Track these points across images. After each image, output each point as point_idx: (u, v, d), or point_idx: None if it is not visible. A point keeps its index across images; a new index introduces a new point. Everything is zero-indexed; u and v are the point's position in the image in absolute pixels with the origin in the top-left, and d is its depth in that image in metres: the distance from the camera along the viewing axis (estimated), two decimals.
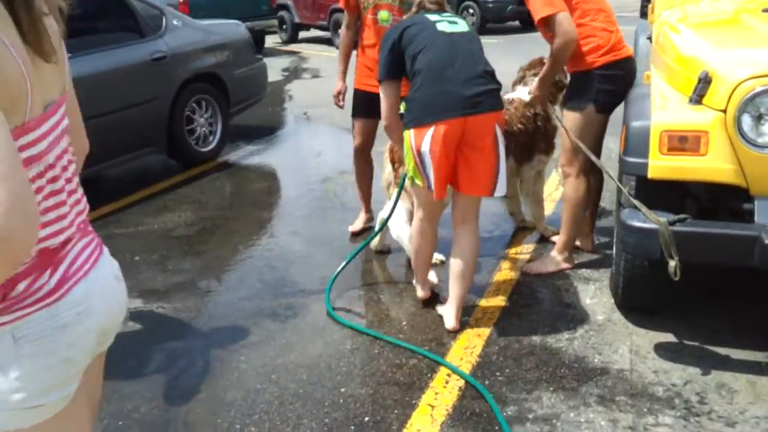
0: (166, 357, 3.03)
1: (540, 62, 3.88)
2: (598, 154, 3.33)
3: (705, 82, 2.61)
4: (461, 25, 3.00)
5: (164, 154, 5.68)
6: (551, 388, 2.65)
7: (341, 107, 4.16)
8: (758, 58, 2.60)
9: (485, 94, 2.84)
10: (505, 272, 3.66)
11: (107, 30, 5.34)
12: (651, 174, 2.60)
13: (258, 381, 2.81)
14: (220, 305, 3.49)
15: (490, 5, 13.87)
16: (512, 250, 3.94)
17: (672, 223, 2.52)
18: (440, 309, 3.20)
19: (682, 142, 2.56)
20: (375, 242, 3.87)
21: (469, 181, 2.96)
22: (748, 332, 2.94)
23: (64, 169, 1.21)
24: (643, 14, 4.14)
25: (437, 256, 3.64)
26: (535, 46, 11.45)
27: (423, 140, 2.82)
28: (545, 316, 3.19)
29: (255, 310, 3.40)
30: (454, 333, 3.07)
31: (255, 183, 5.53)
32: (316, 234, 4.32)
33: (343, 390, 2.72)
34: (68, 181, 1.23)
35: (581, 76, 3.30)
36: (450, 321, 3.10)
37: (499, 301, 3.35)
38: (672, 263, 2.49)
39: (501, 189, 3.00)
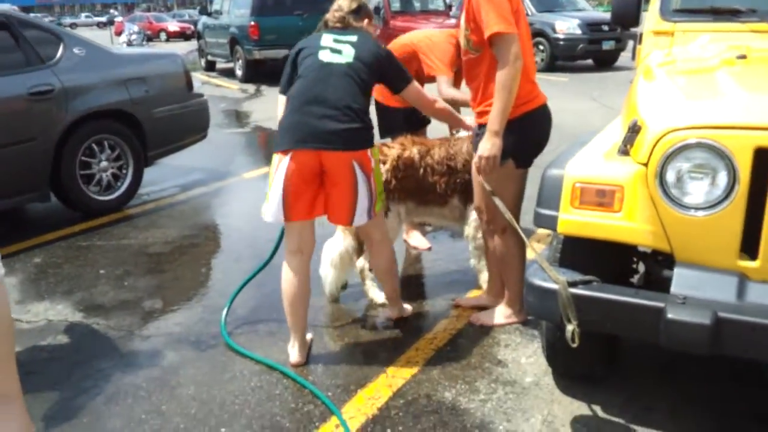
0: (71, 375, 2.98)
1: None
2: (519, 211, 3.11)
3: (633, 131, 2.35)
4: (345, 56, 2.87)
5: (47, 202, 4.98)
6: None
7: None
8: (694, 108, 2.30)
9: (343, 131, 2.75)
10: (451, 320, 3.42)
11: None
12: (560, 229, 2.35)
13: (146, 411, 2.71)
14: (152, 328, 3.42)
15: (561, 43, 13.51)
16: (474, 295, 3.69)
17: (573, 284, 2.26)
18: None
19: (599, 197, 2.30)
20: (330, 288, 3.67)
21: (330, 212, 2.93)
22: (686, 415, 2.59)
23: None
24: (635, 56, 3.84)
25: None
26: (606, 85, 11.22)
27: (281, 164, 2.81)
28: (469, 372, 2.93)
29: (182, 336, 3.32)
30: (364, 381, 2.86)
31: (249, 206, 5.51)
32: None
33: (222, 430, 2.58)
34: None
35: None
36: (393, 312, 3.38)
37: (429, 350, 3.11)
38: (569, 327, 2.23)
39: (360, 219, 2.93)
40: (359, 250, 3.49)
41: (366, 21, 3.06)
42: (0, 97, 4.51)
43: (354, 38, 2.93)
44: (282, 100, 2.98)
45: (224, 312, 3.43)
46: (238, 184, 6.15)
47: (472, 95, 3.06)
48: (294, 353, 3.03)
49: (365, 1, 3.13)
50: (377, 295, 3.56)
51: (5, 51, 4.71)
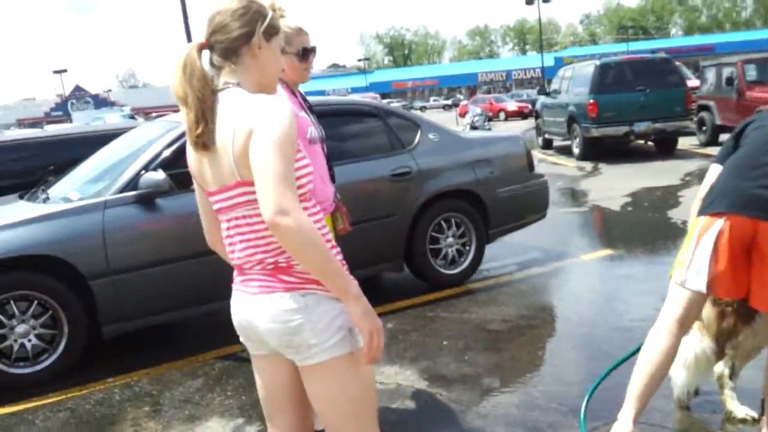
0: None
1: None
2: None
3: None
4: None
5: (401, 272, 5.51)
6: None
7: None
8: None
9: None
10: None
11: (358, 142, 5.34)
12: None
13: None
14: (489, 406, 3.49)
15: None
16: None
17: None
18: None
19: None
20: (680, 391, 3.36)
21: (755, 293, 2.62)
22: None
23: (228, 228, 1.87)
24: None
25: (748, 412, 3.08)
26: None
27: (709, 229, 2.63)
28: None
29: (518, 420, 3.31)
30: None
31: (592, 294, 5.36)
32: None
33: None
34: (229, 237, 1.88)
35: None
36: None
37: None
38: None
39: None
40: (719, 354, 3.13)
41: None
42: (368, 177, 5.18)
43: None
44: (714, 169, 2.92)
45: (584, 405, 3.27)
46: (577, 266, 6.07)
47: None
48: (626, 424, 2.75)
49: None
50: (737, 409, 3.14)
51: (374, 137, 5.42)
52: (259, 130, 1.67)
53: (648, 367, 2.78)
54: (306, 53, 2.97)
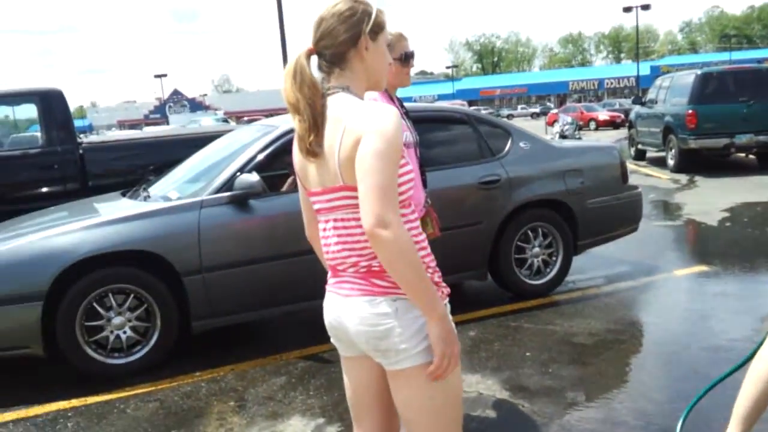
0: None
1: None
2: None
3: None
4: None
5: (484, 281, 5.45)
6: None
7: None
8: None
9: None
10: None
11: (448, 148, 5.32)
12: None
13: None
14: (573, 420, 3.40)
15: None
16: None
17: None
18: None
19: None
20: None
21: None
22: None
23: (324, 230, 1.88)
24: None
25: None
26: None
27: None
28: None
29: None
30: None
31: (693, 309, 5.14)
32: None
33: None
34: (325, 237, 1.88)
35: None
36: None
37: None
38: None
39: None
40: None
41: None
42: (456, 184, 5.14)
43: None
44: None
45: (680, 423, 3.08)
46: (669, 282, 5.82)
47: None
48: None
49: None
50: None
51: (465, 144, 5.39)
52: (367, 138, 1.66)
53: (754, 387, 2.62)
54: (407, 58, 3.01)
